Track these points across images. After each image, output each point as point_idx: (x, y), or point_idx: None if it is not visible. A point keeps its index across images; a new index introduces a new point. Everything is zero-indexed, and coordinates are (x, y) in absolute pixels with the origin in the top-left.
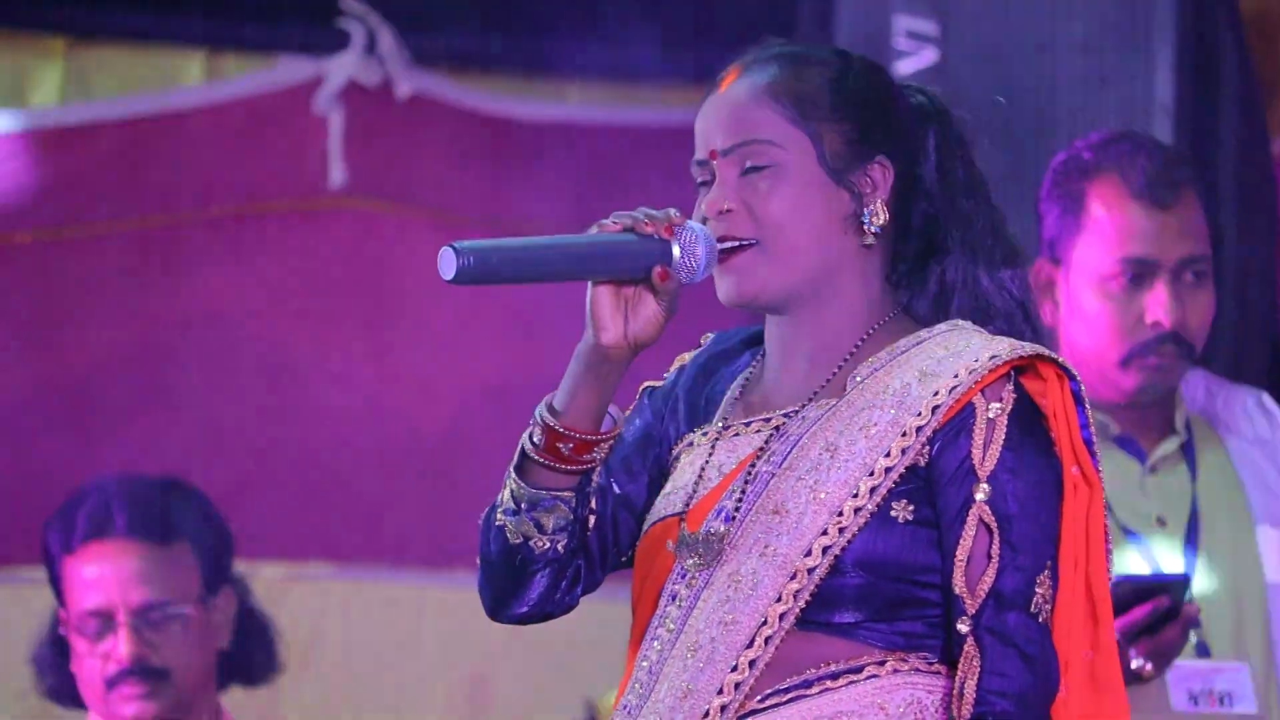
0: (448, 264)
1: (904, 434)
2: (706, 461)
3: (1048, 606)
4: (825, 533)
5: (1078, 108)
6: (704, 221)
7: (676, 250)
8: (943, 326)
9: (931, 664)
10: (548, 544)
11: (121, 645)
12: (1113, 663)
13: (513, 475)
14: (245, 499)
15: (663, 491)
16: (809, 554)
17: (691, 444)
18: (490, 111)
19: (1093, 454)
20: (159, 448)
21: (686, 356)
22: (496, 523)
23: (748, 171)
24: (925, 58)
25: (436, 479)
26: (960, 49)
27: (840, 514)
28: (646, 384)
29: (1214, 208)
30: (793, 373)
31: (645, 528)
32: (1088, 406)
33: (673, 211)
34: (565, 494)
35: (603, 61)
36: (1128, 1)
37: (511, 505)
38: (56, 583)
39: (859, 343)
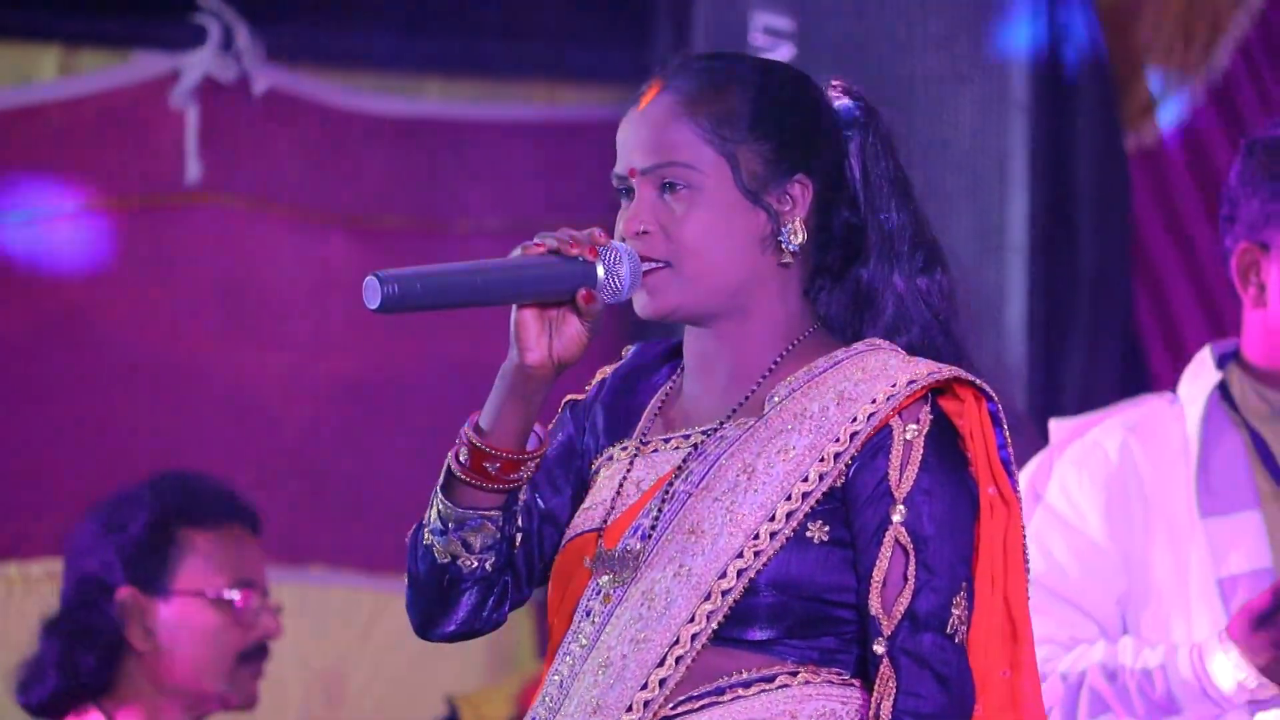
0: (372, 293)
1: (822, 459)
2: (625, 477)
3: (963, 627)
4: (740, 555)
5: (933, 104)
6: (622, 239)
7: (600, 271)
8: (860, 346)
9: (844, 677)
10: (476, 563)
11: (267, 617)
12: (1032, 681)
13: (439, 495)
14: (102, 496)
15: (582, 506)
16: (724, 576)
17: (611, 458)
18: (347, 107)
19: (1010, 474)
20: (16, 444)
21: (608, 369)
22: (424, 542)
23: (665, 191)
24: (782, 54)
25: (293, 476)
26: (817, 45)
27: (756, 537)
28: (569, 397)
29: None
30: (711, 389)
31: (564, 542)
32: (1005, 426)
33: (596, 231)
34: (492, 513)
35: (462, 57)
36: None
37: (439, 525)
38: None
39: (777, 360)
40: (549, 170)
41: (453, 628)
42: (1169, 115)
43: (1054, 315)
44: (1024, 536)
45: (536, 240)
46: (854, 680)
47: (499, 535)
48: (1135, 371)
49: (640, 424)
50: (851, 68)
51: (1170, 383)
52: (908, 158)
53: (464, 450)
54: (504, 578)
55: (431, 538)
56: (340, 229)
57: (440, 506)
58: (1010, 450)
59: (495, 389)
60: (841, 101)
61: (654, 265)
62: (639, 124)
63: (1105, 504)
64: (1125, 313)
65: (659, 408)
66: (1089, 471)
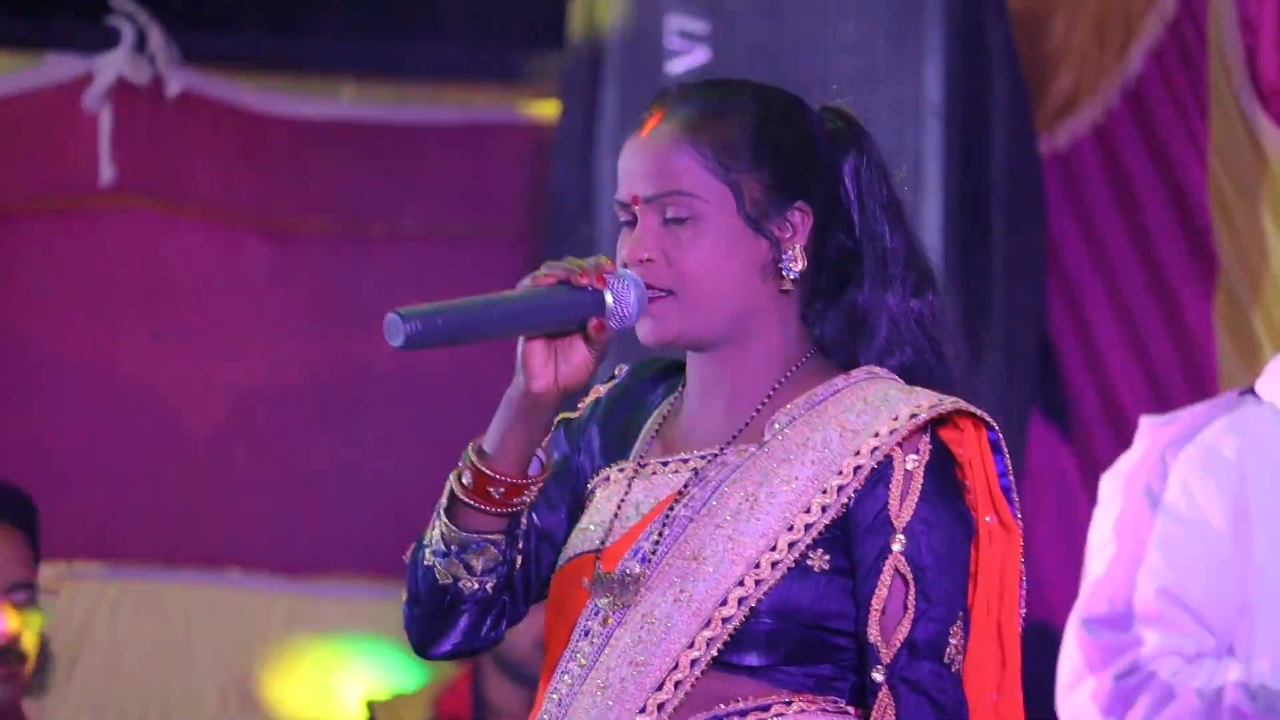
0: (395, 331)
1: (824, 490)
2: (624, 499)
3: (959, 656)
4: (742, 583)
5: (850, 107)
6: (625, 265)
7: (609, 299)
8: (859, 374)
9: (839, 705)
10: (476, 585)
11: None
12: (1015, 705)
13: (442, 517)
14: None
15: (579, 526)
16: (724, 603)
17: (609, 479)
18: (261, 110)
19: (1010, 501)
20: None
21: (602, 389)
22: (425, 563)
23: (668, 221)
24: (697, 57)
25: (209, 479)
26: (732, 48)
27: (758, 566)
28: (563, 415)
29: None
30: (711, 413)
31: (561, 562)
32: (1006, 454)
33: (602, 259)
34: (495, 536)
35: (376, 59)
36: (899, 2)
37: (441, 547)
38: None
39: (776, 385)
40: (463, 172)
41: (449, 646)
42: (1082, 118)
43: (969, 316)
44: (1021, 563)
45: (544, 271)
46: (849, 708)
47: (501, 558)
48: (1049, 371)
49: (637, 445)
50: (766, 71)
51: (1081, 383)
52: None
53: (467, 473)
54: (503, 597)
55: (433, 559)
56: (254, 231)
57: (443, 529)
58: (1011, 478)
59: (500, 414)
60: (835, 125)
61: (658, 293)
62: (642, 151)
63: (1232, 512)
64: (1039, 313)
65: (657, 429)
66: (1214, 478)
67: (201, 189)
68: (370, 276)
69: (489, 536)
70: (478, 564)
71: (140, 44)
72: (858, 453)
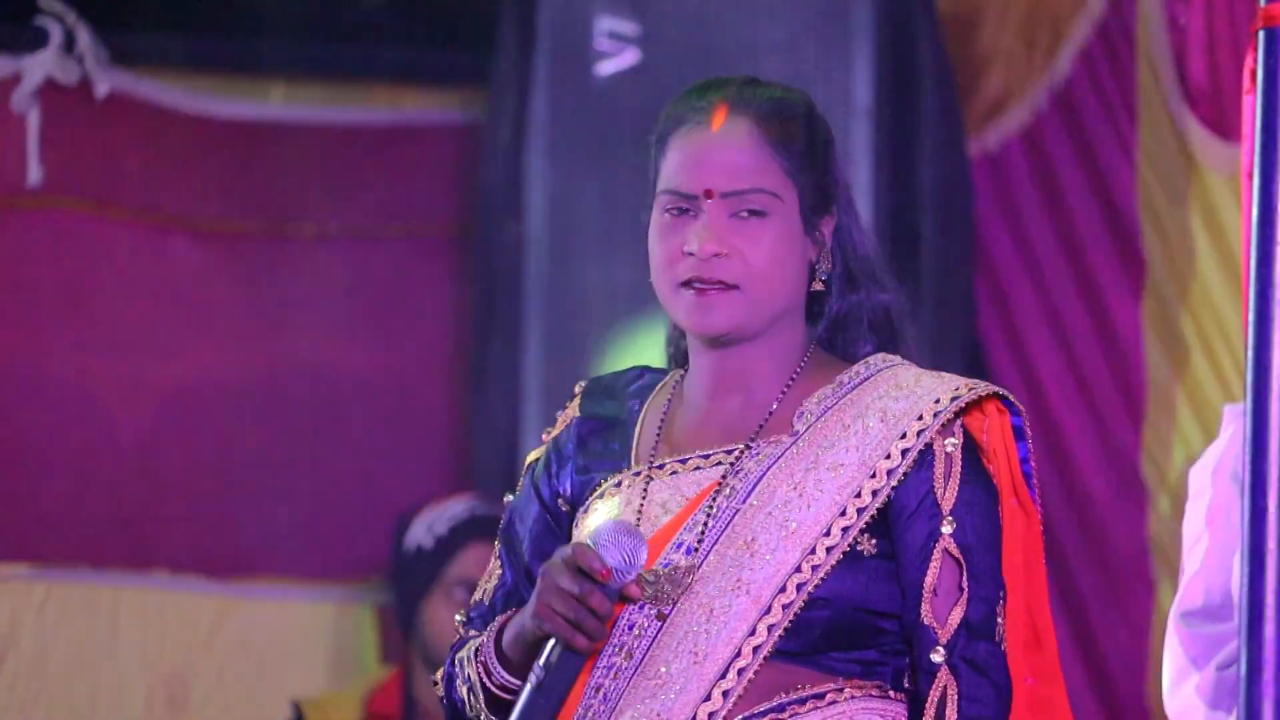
0: None
1: (874, 475)
2: (644, 500)
3: (1004, 635)
4: (799, 570)
5: None
6: (684, 253)
7: (617, 577)
8: (878, 361)
9: (884, 690)
10: None
11: None
12: (1054, 689)
13: (484, 708)
14: None
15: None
16: (783, 590)
17: (620, 484)
18: (191, 110)
19: (1030, 485)
20: None
21: (569, 413)
22: (469, 715)
23: (739, 215)
24: (626, 59)
25: (136, 480)
26: (661, 50)
27: (813, 551)
28: (530, 458)
29: None
30: (724, 409)
31: None
32: (1029, 439)
33: (596, 589)
34: None
35: (306, 61)
36: (828, 4)
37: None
38: None
39: (789, 382)
40: (393, 174)
41: None
42: (1011, 120)
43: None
44: (1042, 546)
45: (555, 620)
46: (891, 693)
47: None
48: (978, 372)
49: (638, 448)
50: (695, 73)
51: (1010, 384)
52: None
53: (498, 674)
54: None
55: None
56: (183, 232)
57: (487, 718)
58: (1032, 463)
59: (519, 636)
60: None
61: (722, 287)
62: (717, 145)
63: None
64: (968, 315)
65: (658, 431)
66: None
67: (131, 190)
68: (300, 278)
69: None
70: None
71: (69, 45)
72: (904, 435)
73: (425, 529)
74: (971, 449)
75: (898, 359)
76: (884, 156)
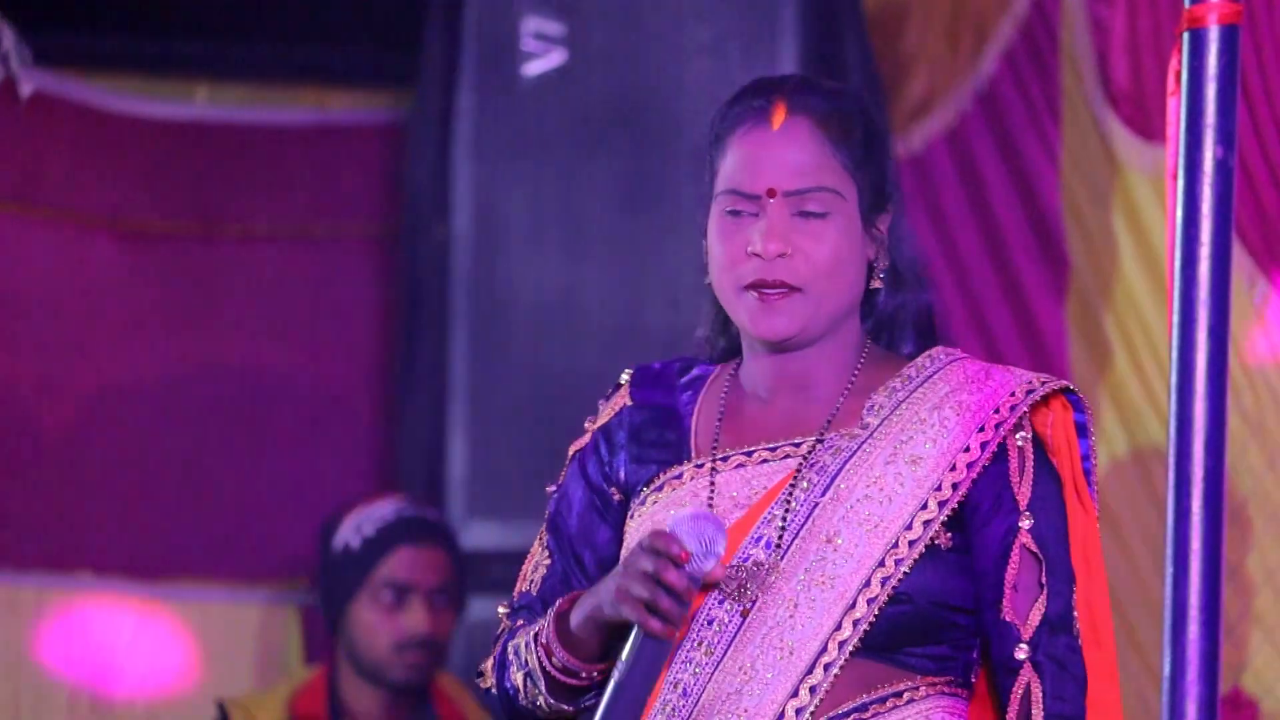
0: None
1: (954, 469)
2: (712, 493)
3: (1080, 628)
4: (883, 564)
5: (703, 110)
6: (748, 254)
7: (695, 564)
8: (939, 355)
9: (954, 687)
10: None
11: None
12: (1111, 691)
13: (541, 690)
14: None
15: (662, 524)
16: (868, 585)
17: (681, 476)
18: (115, 110)
19: (1090, 484)
20: None
21: (617, 402)
22: (522, 701)
23: (801, 214)
24: (553, 60)
25: (61, 481)
26: (587, 51)
27: (895, 545)
28: (575, 448)
29: None
30: (784, 404)
31: None
32: (1091, 437)
33: (674, 569)
34: (590, 695)
35: (230, 60)
36: (754, 5)
37: (545, 709)
38: None
39: (853, 377)
40: (318, 174)
41: None
42: (936, 121)
43: None
44: (1100, 545)
45: (634, 614)
46: (959, 690)
47: (593, 691)
48: None
49: (698, 441)
50: (622, 74)
51: None
52: (677, 164)
53: (558, 657)
54: None
55: (531, 705)
56: (107, 232)
57: (543, 700)
58: (1094, 461)
59: (589, 618)
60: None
61: (784, 290)
62: (778, 143)
63: None
64: None
65: (718, 423)
66: None
67: (55, 190)
68: (224, 278)
69: (589, 700)
70: (578, 702)
71: None
72: (981, 429)
73: (353, 530)
74: (1040, 445)
75: (959, 352)
76: None
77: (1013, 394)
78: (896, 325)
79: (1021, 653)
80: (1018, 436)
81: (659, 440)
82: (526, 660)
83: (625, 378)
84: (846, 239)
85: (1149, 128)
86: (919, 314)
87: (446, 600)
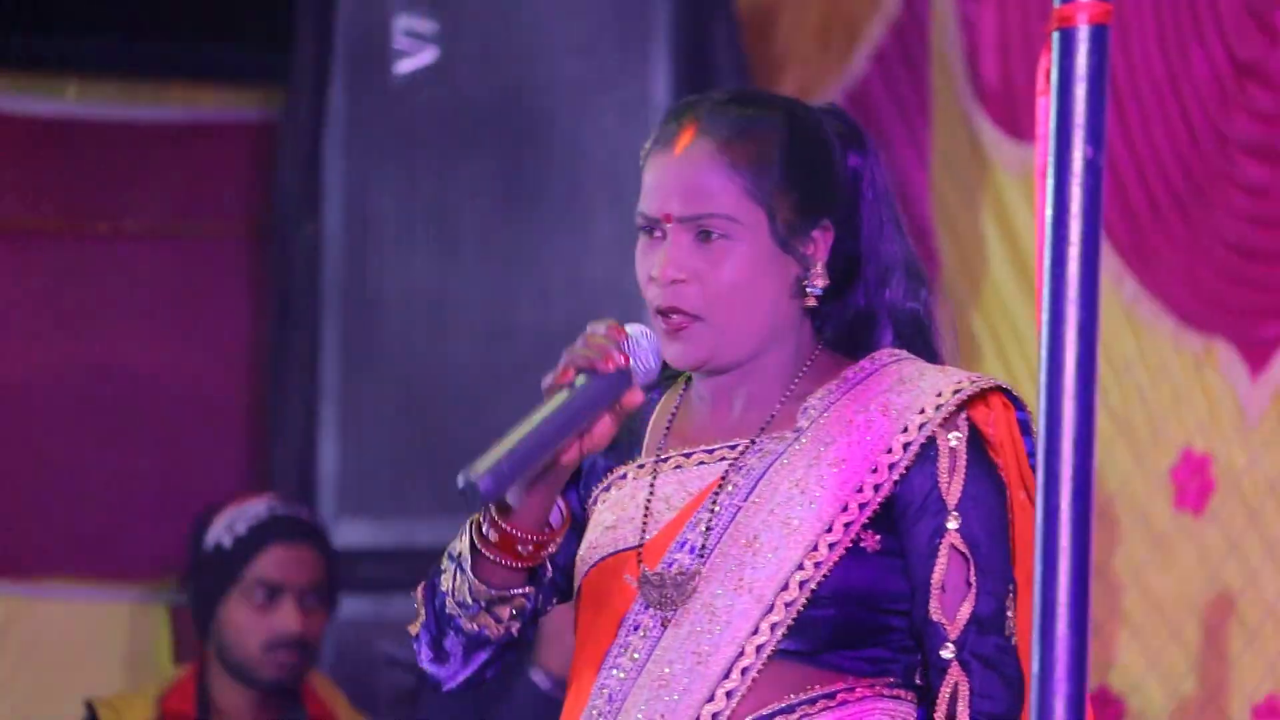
0: (472, 494)
1: (875, 470)
2: (650, 495)
3: (1015, 629)
4: (801, 567)
5: (576, 108)
6: (650, 279)
7: (633, 365)
8: (883, 356)
9: (894, 689)
10: (503, 630)
11: None
12: None
13: (468, 574)
14: None
15: (603, 524)
16: (786, 588)
17: (625, 476)
18: None
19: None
20: None
21: None
22: (448, 611)
23: (700, 238)
24: (425, 57)
25: None
26: (460, 49)
27: (815, 548)
28: None
29: None
30: (728, 408)
31: (594, 560)
32: (1034, 435)
33: (611, 327)
34: (525, 589)
35: (101, 57)
36: (626, 5)
37: (468, 600)
38: None
39: (794, 382)
40: (190, 172)
41: (462, 680)
42: None
43: None
44: None
45: (563, 363)
46: (901, 691)
47: (528, 606)
48: None
49: (648, 441)
50: (494, 73)
51: None
52: (549, 163)
53: (491, 531)
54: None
55: (457, 609)
56: None
57: (470, 585)
58: (1038, 459)
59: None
60: (839, 128)
61: (686, 318)
62: (676, 168)
63: None
64: None
65: (667, 425)
66: None
67: None
68: (94, 276)
69: (518, 590)
70: (505, 614)
71: None
72: (905, 429)
73: (225, 528)
74: (977, 443)
75: (904, 354)
76: None
77: (939, 394)
78: (871, 329)
79: (947, 651)
80: (950, 436)
81: (622, 438)
82: (458, 550)
83: None
84: (751, 263)
85: (1018, 127)
86: (902, 320)
87: (318, 600)
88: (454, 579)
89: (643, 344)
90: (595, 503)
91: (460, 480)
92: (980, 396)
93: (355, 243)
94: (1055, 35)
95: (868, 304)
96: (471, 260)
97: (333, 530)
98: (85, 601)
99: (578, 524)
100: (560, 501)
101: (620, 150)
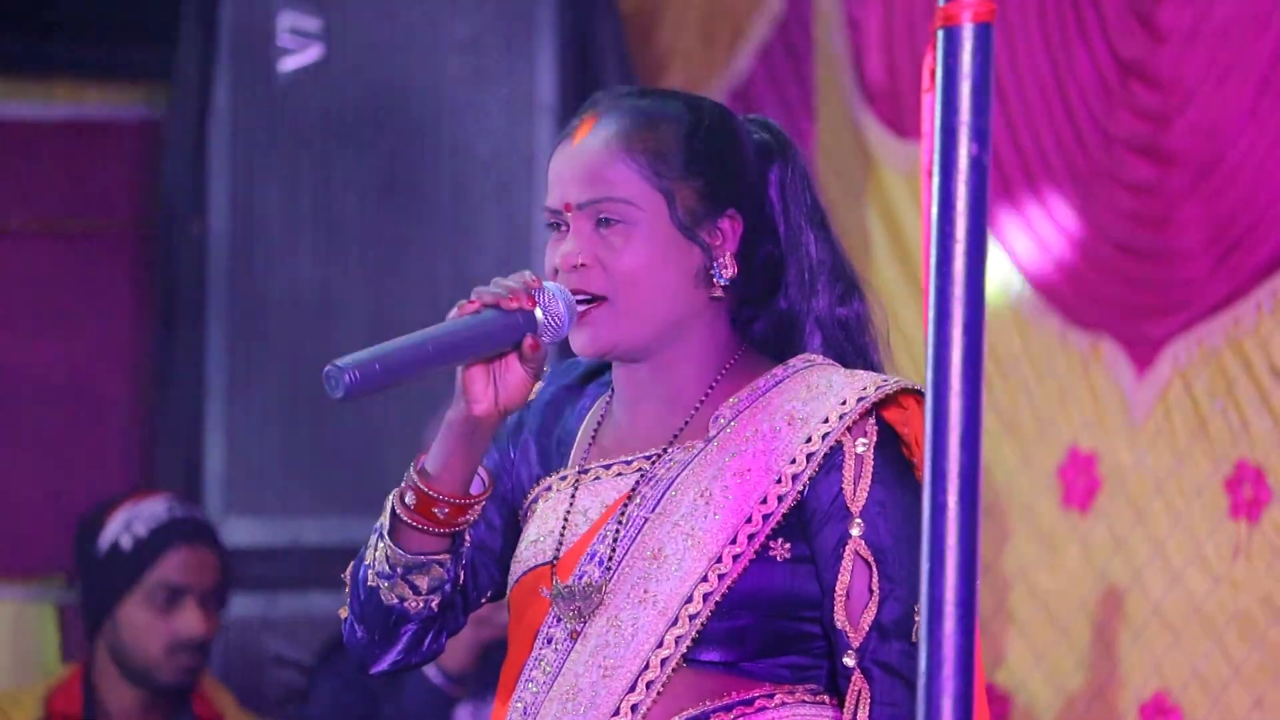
0: (334, 384)
1: (779, 480)
2: (570, 507)
3: None
4: (705, 579)
5: (461, 106)
6: (555, 271)
7: (539, 314)
8: (797, 363)
9: (817, 694)
10: (422, 604)
11: None
12: (979, 683)
13: (386, 539)
14: None
15: (528, 538)
16: (689, 600)
17: (550, 488)
18: None
19: None
20: None
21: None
22: (369, 583)
23: (600, 225)
24: (309, 55)
25: None
26: (344, 46)
27: (719, 560)
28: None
29: None
30: (646, 415)
31: (517, 574)
32: None
33: (527, 275)
34: (440, 556)
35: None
36: (511, 2)
37: (385, 568)
38: None
39: (712, 384)
40: (74, 169)
41: (389, 663)
42: None
43: None
44: None
45: (472, 297)
46: (824, 696)
47: (445, 577)
48: None
49: (574, 452)
50: (380, 70)
51: None
52: (435, 160)
53: (410, 495)
54: (445, 612)
55: (377, 580)
56: None
57: (388, 550)
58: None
59: (441, 437)
60: (760, 136)
61: (590, 298)
62: (574, 159)
63: None
64: None
65: (593, 435)
66: None
67: None
68: None
69: (434, 557)
70: (423, 584)
71: None
72: (809, 439)
73: (122, 528)
74: (888, 446)
75: (818, 359)
76: None
77: (844, 401)
78: (796, 334)
79: (850, 658)
80: (856, 443)
81: (550, 448)
82: (380, 525)
83: (543, 373)
84: (651, 248)
85: (903, 125)
86: (829, 326)
87: (216, 601)
88: (374, 549)
89: (557, 299)
90: (525, 515)
91: (327, 368)
92: (891, 399)
93: (240, 240)
94: (940, 33)
95: (790, 308)
96: (357, 258)
97: (219, 529)
98: None
99: (505, 509)
100: (482, 471)
101: (505, 148)
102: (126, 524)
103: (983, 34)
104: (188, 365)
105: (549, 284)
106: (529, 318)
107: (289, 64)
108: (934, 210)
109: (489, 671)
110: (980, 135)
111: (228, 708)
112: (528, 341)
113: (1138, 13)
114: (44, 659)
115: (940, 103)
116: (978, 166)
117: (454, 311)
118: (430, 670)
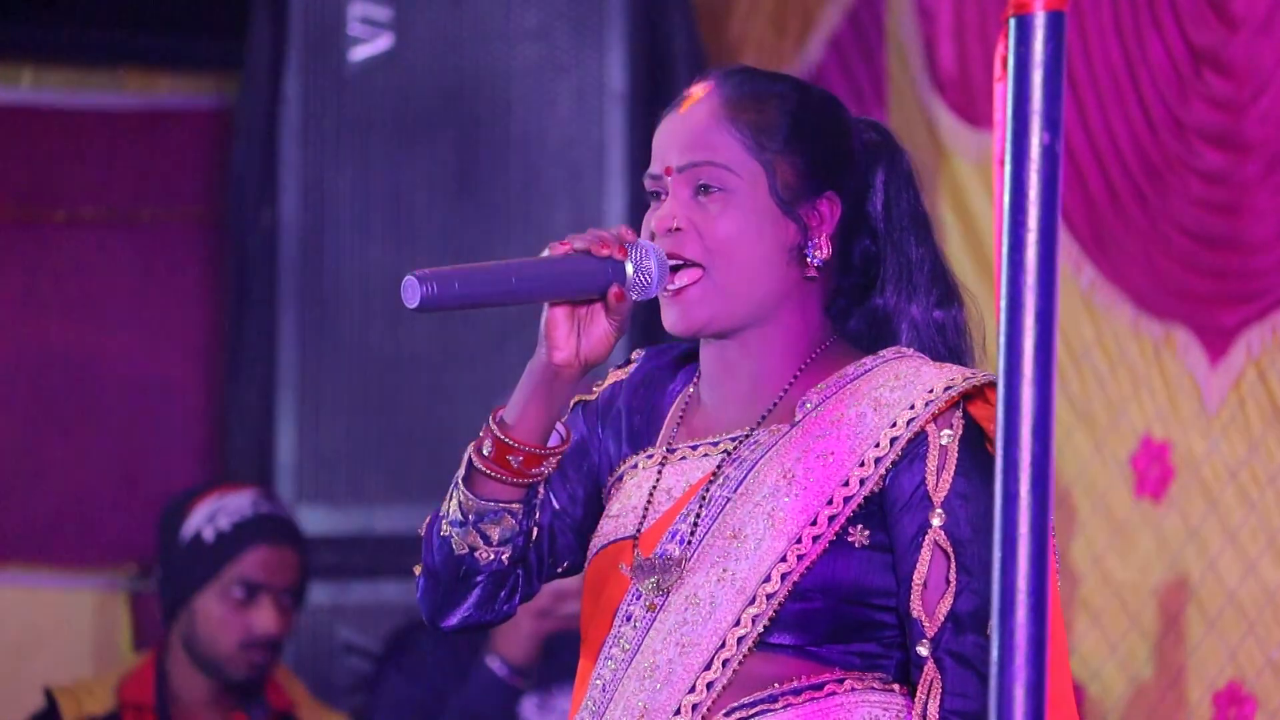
0: (411, 292)
1: (862, 464)
2: (655, 485)
3: None
4: (784, 559)
5: (531, 95)
6: (652, 236)
7: (630, 268)
8: (888, 353)
9: (887, 683)
10: (492, 555)
11: None
12: (1062, 678)
13: (460, 487)
14: None
15: (610, 514)
16: (767, 579)
17: (636, 466)
18: None
19: None
20: None
21: (621, 373)
22: (441, 533)
23: (699, 192)
24: (380, 44)
25: None
26: (415, 36)
27: (799, 541)
28: (579, 398)
29: None
30: (734, 397)
31: (596, 549)
32: None
33: (623, 229)
34: (513, 506)
35: (56, 44)
36: None
37: (459, 517)
38: None
39: (800, 369)
40: (145, 159)
41: (459, 618)
42: None
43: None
44: (1053, 536)
45: (565, 240)
46: (894, 685)
47: (517, 529)
48: None
49: (663, 432)
50: (449, 58)
51: None
52: (505, 149)
53: (487, 443)
54: (516, 571)
55: (450, 529)
56: None
57: (461, 498)
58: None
59: (521, 384)
60: (869, 136)
61: (683, 262)
62: (679, 125)
63: None
64: None
65: (680, 416)
66: None
67: None
68: (51, 263)
69: (507, 506)
70: (494, 534)
71: None
72: (894, 424)
73: (205, 520)
74: (973, 440)
75: (910, 351)
76: (638, 142)
77: (930, 390)
78: (890, 332)
79: (924, 648)
80: (941, 433)
81: (640, 426)
82: (457, 475)
83: (635, 356)
84: (747, 217)
85: (975, 114)
86: (924, 328)
87: (292, 600)
88: (450, 500)
89: (650, 255)
90: (609, 492)
91: (406, 278)
92: (978, 393)
93: (311, 229)
94: (1012, 22)
95: (885, 306)
96: (427, 246)
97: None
98: (46, 588)
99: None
100: (561, 427)
101: (575, 137)
102: (210, 516)
103: (1055, 22)
104: (259, 354)
105: (645, 242)
106: (619, 268)
107: (360, 53)
108: (1006, 199)
109: (553, 663)
110: (1052, 124)
111: (300, 698)
112: (613, 290)
113: (1211, 1)
114: (120, 648)
115: (1012, 92)
116: (1050, 155)
117: (545, 252)
118: (494, 662)
